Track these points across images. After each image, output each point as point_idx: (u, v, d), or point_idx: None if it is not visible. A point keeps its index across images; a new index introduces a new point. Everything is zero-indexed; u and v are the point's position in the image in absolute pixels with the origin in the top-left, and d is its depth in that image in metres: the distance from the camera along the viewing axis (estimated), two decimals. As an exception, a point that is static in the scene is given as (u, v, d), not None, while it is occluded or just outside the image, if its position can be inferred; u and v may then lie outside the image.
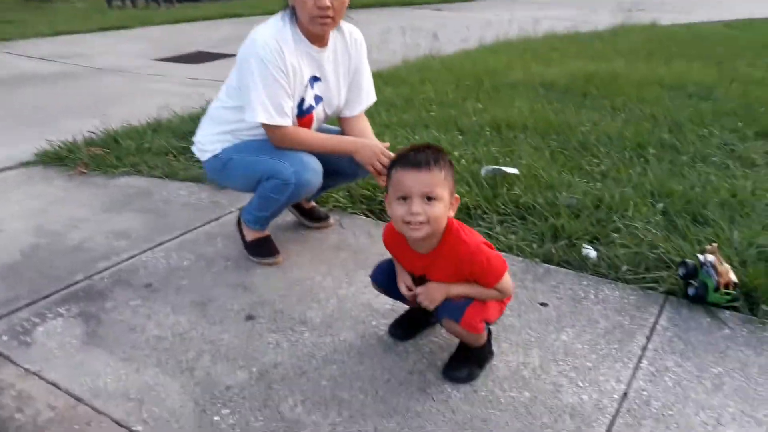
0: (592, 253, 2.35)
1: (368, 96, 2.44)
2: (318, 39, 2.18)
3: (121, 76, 6.23)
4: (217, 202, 2.96)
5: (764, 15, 10.21)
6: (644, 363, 1.78)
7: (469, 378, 1.73)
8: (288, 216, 2.73)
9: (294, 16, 2.14)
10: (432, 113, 4.30)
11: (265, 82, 2.08)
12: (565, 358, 1.81)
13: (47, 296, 2.17)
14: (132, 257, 2.44)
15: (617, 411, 1.60)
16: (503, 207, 2.74)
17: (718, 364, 1.78)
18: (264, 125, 2.16)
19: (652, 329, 1.94)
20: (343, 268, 2.35)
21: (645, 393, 1.67)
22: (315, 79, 2.24)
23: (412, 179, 1.53)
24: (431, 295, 1.66)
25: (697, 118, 4.08)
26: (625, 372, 1.74)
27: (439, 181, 1.54)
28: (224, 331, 1.97)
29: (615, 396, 1.65)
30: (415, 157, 1.55)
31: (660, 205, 2.68)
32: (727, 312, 2.01)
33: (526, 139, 3.69)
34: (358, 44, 2.34)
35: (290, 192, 2.19)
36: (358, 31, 2.35)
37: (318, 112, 2.30)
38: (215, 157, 2.32)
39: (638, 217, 2.58)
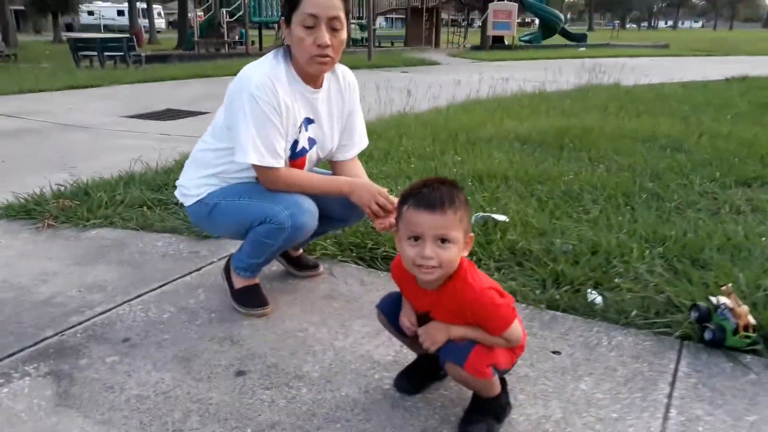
0: (599, 299, 2.26)
1: (361, 139, 2.35)
2: (313, 79, 2.10)
3: (90, 133, 6.06)
4: (197, 253, 2.80)
5: (716, 77, 10.69)
6: (673, 412, 1.65)
7: (488, 433, 1.58)
8: (275, 264, 2.57)
9: (288, 55, 2.07)
10: (412, 165, 4.25)
11: (257, 122, 1.97)
12: (588, 408, 1.68)
13: (13, 354, 1.95)
14: (107, 311, 2.24)
15: (654, 465, 1.48)
16: (498, 253, 2.66)
17: (751, 411, 1.66)
18: (255, 167, 2.04)
19: (674, 376, 1.82)
20: (338, 318, 2.20)
21: (680, 444, 1.54)
22: (309, 121, 2.14)
23: (425, 220, 1.43)
24: (432, 335, 1.54)
25: (675, 168, 4.12)
26: (654, 422, 1.61)
27: (453, 224, 1.44)
28: (213, 388, 1.79)
29: (649, 448, 1.53)
30: (429, 196, 1.45)
31: (659, 249, 2.62)
32: (748, 356, 1.92)
33: (510, 189, 3.65)
34: (351, 87, 2.26)
35: (286, 236, 2.05)
36: (350, 73, 2.27)
37: (311, 155, 2.20)
38: (200, 202, 2.18)
39: (638, 262, 2.51)
